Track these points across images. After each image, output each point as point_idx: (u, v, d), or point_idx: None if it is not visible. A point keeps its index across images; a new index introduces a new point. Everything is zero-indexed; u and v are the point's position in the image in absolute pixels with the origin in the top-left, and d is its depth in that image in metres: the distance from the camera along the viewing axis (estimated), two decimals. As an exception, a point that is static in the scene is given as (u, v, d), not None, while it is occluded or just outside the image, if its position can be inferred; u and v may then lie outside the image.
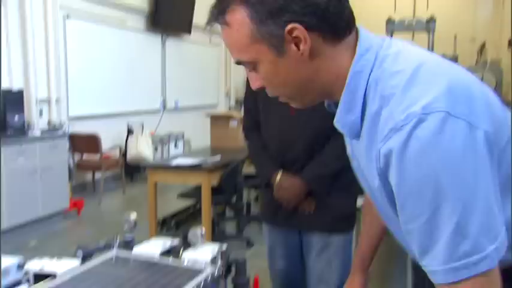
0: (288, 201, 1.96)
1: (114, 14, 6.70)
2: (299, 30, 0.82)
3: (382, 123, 0.79)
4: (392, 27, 8.82)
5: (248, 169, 4.19)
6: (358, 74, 0.85)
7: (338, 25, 0.84)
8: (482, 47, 11.59)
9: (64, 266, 1.49)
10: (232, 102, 10.32)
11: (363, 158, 0.90)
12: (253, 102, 2.15)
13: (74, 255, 1.64)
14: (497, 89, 9.42)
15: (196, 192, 4.02)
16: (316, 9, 0.82)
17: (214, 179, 3.75)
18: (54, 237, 4.52)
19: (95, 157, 5.89)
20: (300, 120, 1.96)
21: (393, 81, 0.80)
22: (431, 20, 8.45)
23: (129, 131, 6.73)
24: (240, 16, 0.84)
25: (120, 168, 6.29)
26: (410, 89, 0.77)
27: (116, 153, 6.33)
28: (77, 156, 5.94)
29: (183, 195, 4.24)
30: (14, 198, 4.38)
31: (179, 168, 3.67)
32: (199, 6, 8.28)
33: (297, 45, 0.83)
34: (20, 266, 1.35)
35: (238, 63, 0.90)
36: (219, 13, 0.87)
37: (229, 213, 4.74)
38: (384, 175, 0.81)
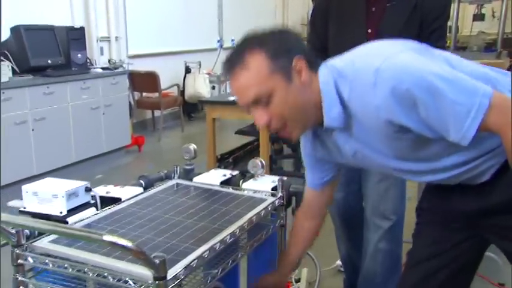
0: None
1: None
2: (301, 62, 1.13)
3: (361, 92, 1.08)
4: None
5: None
6: (327, 83, 1.14)
7: (316, 62, 1.17)
8: None
9: (128, 192, 1.53)
10: (290, 41, 10.08)
11: (364, 133, 1.15)
12: (323, 23, 2.00)
13: (137, 184, 1.68)
14: None
15: (254, 129, 4.01)
16: (305, 50, 1.16)
17: (272, 116, 3.71)
18: (117, 171, 4.72)
19: (154, 95, 5.99)
20: None
21: (347, 69, 1.12)
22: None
23: (187, 70, 6.75)
24: (259, 56, 1.11)
25: (178, 106, 6.39)
26: (360, 63, 1.11)
27: (174, 92, 6.40)
28: (136, 94, 6.07)
29: (241, 132, 4.25)
30: (81, 134, 4.57)
31: (237, 103, 3.64)
32: None
33: (300, 75, 1.13)
34: (88, 190, 1.39)
35: (255, 100, 1.12)
36: (240, 58, 1.12)
37: (287, 150, 4.73)
38: (389, 117, 1.07)
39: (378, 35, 1.89)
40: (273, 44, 1.12)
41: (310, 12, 2.16)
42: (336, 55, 1.98)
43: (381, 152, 1.19)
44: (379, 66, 1.05)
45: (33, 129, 4.08)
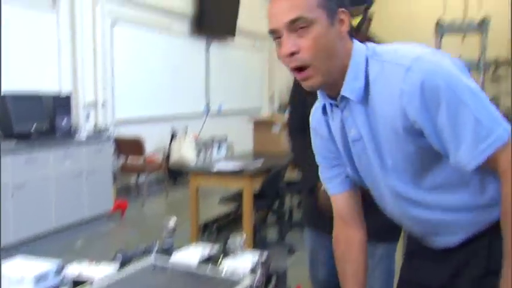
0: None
1: (160, 19, 6.80)
2: (346, 15, 1.12)
3: (391, 72, 1.07)
4: (442, 30, 8.50)
5: (291, 175, 4.11)
6: (359, 54, 1.13)
7: (351, 30, 1.16)
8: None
9: (102, 272, 1.47)
10: (276, 106, 10.27)
11: (374, 122, 1.12)
12: (302, 100, 2.03)
13: (113, 260, 1.62)
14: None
15: (238, 197, 3.99)
16: (350, 11, 1.14)
17: (257, 184, 3.70)
18: (99, 239, 4.60)
19: (139, 160, 5.97)
20: None
21: (385, 52, 1.12)
22: (484, 21, 8.03)
23: (173, 135, 6.79)
24: None
25: (163, 171, 6.36)
26: (401, 50, 1.10)
27: (160, 157, 6.40)
28: (121, 159, 6.05)
29: (225, 200, 4.22)
30: (62, 200, 4.49)
31: (221, 173, 3.64)
32: (244, 9, 8.29)
33: (341, 24, 1.11)
34: (58, 271, 1.34)
35: (295, 20, 1.07)
36: None
37: (271, 219, 4.68)
38: (408, 108, 1.04)
39: None
40: None
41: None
42: None
43: (380, 155, 1.15)
44: (420, 55, 1.05)
45: (12, 195, 4.00)
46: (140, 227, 5.02)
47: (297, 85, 2.12)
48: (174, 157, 6.57)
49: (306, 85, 1.12)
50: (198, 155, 6.89)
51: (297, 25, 1.07)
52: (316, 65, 1.08)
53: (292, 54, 1.08)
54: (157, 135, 6.64)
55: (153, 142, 6.37)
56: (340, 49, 1.11)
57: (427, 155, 1.09)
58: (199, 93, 7.89)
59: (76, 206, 4.68)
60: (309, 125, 2.00)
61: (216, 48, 8.11)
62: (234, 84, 8.72)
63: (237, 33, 8.31)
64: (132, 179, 6.42)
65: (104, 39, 5.80)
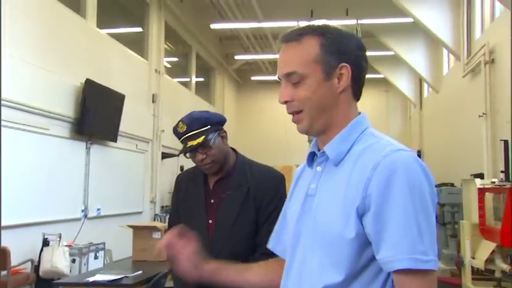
0: None
1: (37, 121, 6.55)
2: (347, 70, 1.17)
3: (376, 149, 1.11)
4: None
5: (172, 282, 3.97)
6: (359, 124, 1.20)
7: (359, 90, 1.22)
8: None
9: None
10: (158, 210, 10.07)
11: (337, 185, 1.14)
12: (177, 221, 2.11)
13: None
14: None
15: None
16: (360, 69, 1.20)
17: (135, 296, 3.51)
18: None
19: (2, 273, 5.36)
20: (217, 243, 1.95)
21: (386, 139, 1.17)
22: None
23: (45, 242, 6.27)
24: (314, 42, 1.17)
25: (30, 285, 5.75)
26: (390, 145, 1.13)
27: (28, 268, 5.81)
28: (-20, 273, 5.39)
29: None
30: None
31: (97, 284, 3.42)
32: (127, 113, 8.34)
33: (339, 80, 1.17)
34: None
35: (289, 74, 1.18)
36: (298, 34, 1.19)
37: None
38: (373, 180, 1.06)
39: (217, 226, 1.99)
40: (332, 39, 1.18)
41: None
42: None
43: (316, 228, 1.14)
44: (402, 149, 1.10)
45: None
46: None
47: (174, 204, 2.19)
48: (45, 267, 6.00)
49: (298, 128, 1.22)
50: (72, 263, 6.38)
51: (291, 78, 1.18)
52: (305, 112, 1.18)
53: (286, 102, 1.20)
54: (25, 244, 6.06)
55: (21, 252, 5.79)
56: (332, 102, 1.18)
57: (354, 246, 1.08)
58: (77, 197, 7.50)
59: None
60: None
61: (96, 150, 7.92)
62: (114, 188, 8.46)
63: (119, 135, 8.26)
64: (-8, 295, 5.70)
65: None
